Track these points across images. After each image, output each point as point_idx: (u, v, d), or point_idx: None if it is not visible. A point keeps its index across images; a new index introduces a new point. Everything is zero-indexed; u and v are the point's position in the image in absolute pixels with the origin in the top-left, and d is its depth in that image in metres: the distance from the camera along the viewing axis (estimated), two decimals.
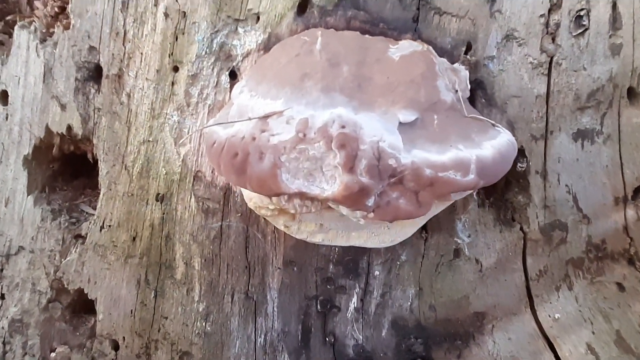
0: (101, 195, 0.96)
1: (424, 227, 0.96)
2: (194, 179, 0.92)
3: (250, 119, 0.70)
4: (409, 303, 1.01)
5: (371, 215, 0.70)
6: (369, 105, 0.70)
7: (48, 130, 0.92)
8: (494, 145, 0.71)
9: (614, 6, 0.77)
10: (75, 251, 1.01)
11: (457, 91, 0.75)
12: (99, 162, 0.93)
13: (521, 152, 0.87)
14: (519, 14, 0.78)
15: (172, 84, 0.86)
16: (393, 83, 0.71)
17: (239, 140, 0.70)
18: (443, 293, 1.00)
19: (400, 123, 0.70)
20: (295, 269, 0.99)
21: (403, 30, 0.80)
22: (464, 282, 0.98)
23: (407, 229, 0.94)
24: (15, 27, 0.86)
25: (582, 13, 0.77)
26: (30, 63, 0.87)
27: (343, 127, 0.66)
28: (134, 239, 0.99)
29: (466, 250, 0.95)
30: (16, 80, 0.89)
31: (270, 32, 0.81)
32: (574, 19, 0.78)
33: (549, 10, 0.78)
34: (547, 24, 0.78)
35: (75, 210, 1.04)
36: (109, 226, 0.98)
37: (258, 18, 0.81)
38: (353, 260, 0.99)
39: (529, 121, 0.83)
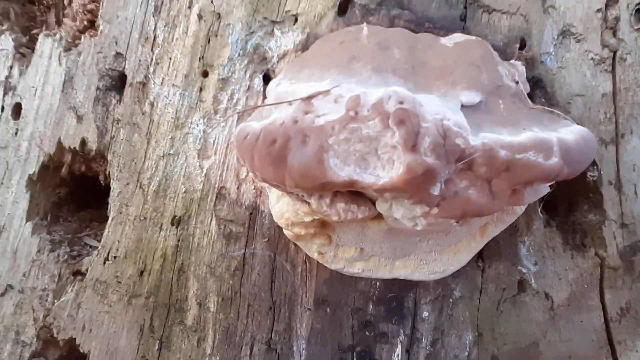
0: (109, 220, 0.83)
1: (480, 254, 0.82)
2: (216, 197, 0.80)
3: (290, 102, 0.61)
4: (466, 353, 0.82)
5: (435, 210, 0.57)
6: (426, 87, 0.61)
7: (60, 145, 0.82)
8: (572, 131, 0.60)
9: None
10: (71, 290, 0.86)
11: (517, 82, 0.67)
12: (111, 181, 0.82)
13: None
14: (574, 9, 0.73)
15: (200, 89, 0.78)
16: (450, 65, 0.63)
17: (278, 126, 0.60)
18: (507, 339, 0.82)
19: (462, 106, 0.60)
20: (328, 310, 0.83)
21: (450, 29, 0.74)
22: (532, 324, 0.81)
23: (461, 256, 0.80)
24: (40, 36, 0.81)
25: None
26: (51, 72, 0.81)
27: (401, 102, 0.56)
28: (142, 272, 0.84)
29: (533, 281, 0.79)
30: (32, 92, 0.82)
31: (309, 32, 0.75)
32: (633, 12, 0.72)
33: (606, 5, 0.73)
34: (605, 19, 0.73)
35: (78, 244, 0.90)
36: (115, 257, 0.84)
37: (296, 19, 0.76)
38: (397, 298, 0.83)
39: (597, 123, 0.74)
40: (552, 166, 0.56)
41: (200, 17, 0.77)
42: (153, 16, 0.78)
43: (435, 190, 0.56)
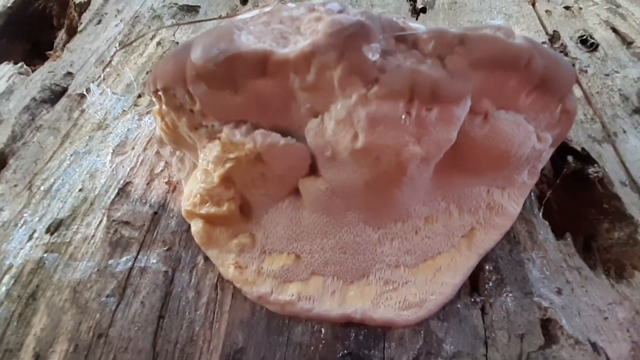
0: None
1: (473, 285, 0.55)
2: (117, 194, 0.61)
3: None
4: None
5: (374, 89, 0.42)
6: None
7: None
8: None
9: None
10: None
11: None
12: None
13: (586, 158, 0.61)
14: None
15: (139, 96, 0.73)
16: None
17: None
18: None
19: None
20: None
21: None
22: None
23: (443, 277, 0.54)
24: (1, 65, 0.82)
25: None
26: None
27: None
28: None
29: (563, 321, 0.50)
30: None
31: None
32: (578, 42, 0.73)
33: (550, 40, 0.75)
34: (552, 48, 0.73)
35: None
36: None
37: None
38: (355, 359, 0.51)
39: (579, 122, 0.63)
40: (518, 45, 0.45)
41: (159, 43, 0.80)
42: (116, 47, 0.81)
43: (371, 54, 0.43)
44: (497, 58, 0.44)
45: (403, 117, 0.43)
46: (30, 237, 0.60)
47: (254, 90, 0.47)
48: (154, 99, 0.53)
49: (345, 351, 0.51)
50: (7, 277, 0.57)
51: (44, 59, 0.95)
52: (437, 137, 0.45)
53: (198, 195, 0.54)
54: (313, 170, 0.51)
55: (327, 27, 0.43)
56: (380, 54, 0.44)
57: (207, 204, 0.54)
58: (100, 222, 0.60)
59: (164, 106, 0.52)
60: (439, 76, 0.43)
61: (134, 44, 0.81)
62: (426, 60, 0.44)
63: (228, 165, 0.50)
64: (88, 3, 0.92)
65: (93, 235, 0.59)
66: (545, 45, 0.52)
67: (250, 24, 0.48)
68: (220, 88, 0.47)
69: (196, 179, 0.55)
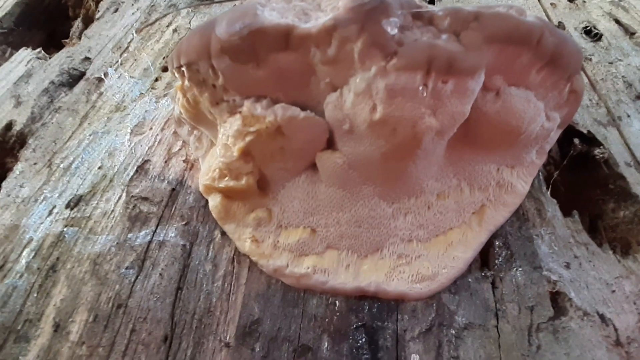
0: None
1: (484, 260, 0.56)
2: (135, 171, 0.62)
3: None
4: None
5: (393, 62, 0.43)
6: None
7: None
8: None
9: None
10: None
11: None
12: (17, 164, 0.67)
13: (592, 140, 0.62)
14: None
15: (156, 79, 0.73)
16: None
17: None
18: None
19: None
20: (257, 347, 0.51)
21: None
22: None
23: (455, 251, 0.55)
24: (20, 50, 0.83)
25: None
26: (12, 72, 0.79)
27: None
28: None
29: (572, 294, 0.51)
30: None
31: None
32: (582, 32, 0.75)
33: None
34: None
35: None
36: None
37: None
38: (367, 331, 0.52)
39: (586, 106, 0.64)
40: (531, 22, 0.46)
41: (175, 30, 0.81)
42: (132, 34, 0.82)
43: (390, 28, 0.44)
44: (510, 34, 0.46)
45: (420, 88, 0.44)
46: (50, 212, 0.61)
47: (275, 64, 0.47)
48: (176, 75, 0.54)
49: (359, 323, 0.52)
50: (27, 250, 0.58)
51: (59, 48, 0.96)
52: (451, 110, 0.46)
53: (217, 170, 0.55)
54: (330, 144, 0.52)
55: (348, 2, 0.44)
56: (399, 29, 0.45)
57: (226, 178, 0.54)
58: (120, 197, 0.60)
59: (186, 82, 0.53)
60: (455, 49, 0.44)
61: (151, 30, 0.82)
62: (442, 35, 0.46)
63: (248, 138, 0.51)
64: None
65: (112, 210, 0.59)
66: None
67: (273, 1, 0.49)
68: (244, 62, 0.48)
69: (215, 154, 0.56)
